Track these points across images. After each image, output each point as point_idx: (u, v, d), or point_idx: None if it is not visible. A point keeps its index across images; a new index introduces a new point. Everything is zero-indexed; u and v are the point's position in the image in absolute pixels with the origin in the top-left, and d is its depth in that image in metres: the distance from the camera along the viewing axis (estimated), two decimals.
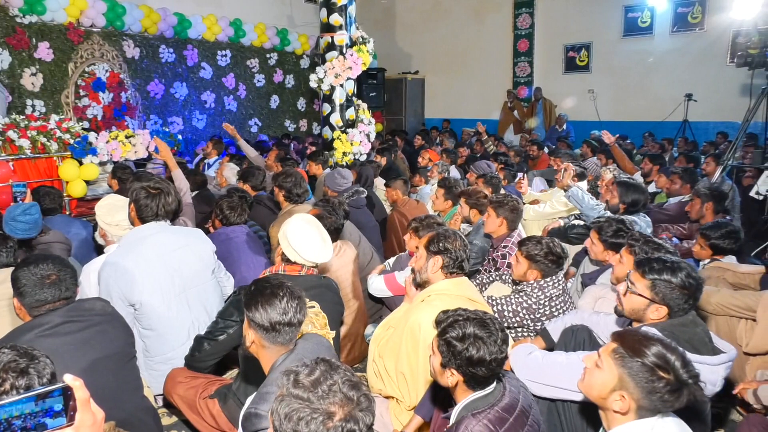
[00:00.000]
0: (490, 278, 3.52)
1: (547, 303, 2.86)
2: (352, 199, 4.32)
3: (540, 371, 2.16)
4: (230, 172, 5.45)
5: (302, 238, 2.56)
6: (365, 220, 4.38)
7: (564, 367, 2.12)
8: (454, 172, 6.49)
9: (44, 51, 7.43)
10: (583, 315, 2.59)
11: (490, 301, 2.96)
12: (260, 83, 10.84)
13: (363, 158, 7.08)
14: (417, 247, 2.69)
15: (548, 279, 2.89)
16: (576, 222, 4.33)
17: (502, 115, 11.77)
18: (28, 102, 7.34)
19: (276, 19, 11.06)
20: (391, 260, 3.89)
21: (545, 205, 4.83)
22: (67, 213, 5.01)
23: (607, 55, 10.82)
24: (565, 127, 10.45)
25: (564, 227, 4.29)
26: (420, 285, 2.63)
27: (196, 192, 4.70)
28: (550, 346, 2.60)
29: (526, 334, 2.95)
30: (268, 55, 10.88)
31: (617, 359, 1.59)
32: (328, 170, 5.25)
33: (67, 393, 1.03)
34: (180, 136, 6.52)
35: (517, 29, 11.71)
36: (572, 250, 4.04)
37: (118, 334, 2.23)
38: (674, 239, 4.20)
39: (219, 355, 2.52)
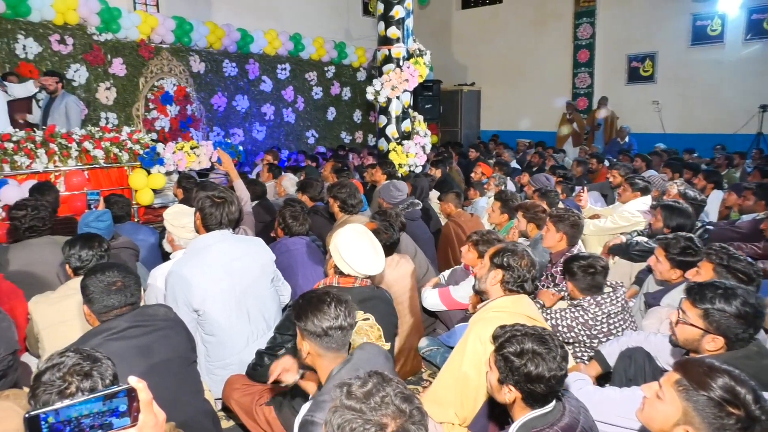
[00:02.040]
0: None
1: (604, 320, 2.76)
2: (407, 212, 4.32)
3: (592, 407, 2.05)
4: (288, 182, 5.57)
5: (353, 250, 2.57)
6: (420, 232, 4.36)
7: (617, 403, 2.02)
8: (511, 185, 6.39)
9: (118, 66, 7.88)
10: (640, 336, 2.47)
11: (544, 314, 2.88)
12: (318, 95, 11.07)
13: (418, 170, 7.09)
14: (482, 257, 2.68)
15: (605, 295, 2.79)
16: (639, 238, 4.15)
17: (560, 127, 11.53)
18: (102, 114, 7.80)
19: (334, 33, 11.31)
20: (446, 273, 3.85)
21: (606, 220, 4.67)
22: (135, 220, 5.26)
23: (674, 65, 10.42)
24: (627, 139, 10.10)
25: (626, 243, 4.13)
26: (478, 293, 2.62)
27: (256, 202, 4.83)
28: (606, 371, 2.50)
29: (581, 350, 2.85)
30: (325, 68, 11.11)
31: (681, 391, 1.48)
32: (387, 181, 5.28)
33: (131, 394, 1.06)
34: (241, 147, 6.74)
35: (577, 39, 11.47)
36: (635, 267, 3.88)
37: (180, 339, 2.30)
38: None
39: None
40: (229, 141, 7.36)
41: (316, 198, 4.60)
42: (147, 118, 8.34)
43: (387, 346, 2.41)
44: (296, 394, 2.33)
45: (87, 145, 5.20)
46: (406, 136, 7.21)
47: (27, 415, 0.97)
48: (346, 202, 4.00)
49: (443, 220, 5.40)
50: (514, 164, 8.41)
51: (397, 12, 6.93)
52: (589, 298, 2.81)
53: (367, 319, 2.51)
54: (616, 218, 4.61)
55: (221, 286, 2.68)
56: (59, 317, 2.46)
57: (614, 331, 2.74)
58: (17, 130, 5.11)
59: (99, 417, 1.02)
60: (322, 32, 10.91)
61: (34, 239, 3.29)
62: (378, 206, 4.81)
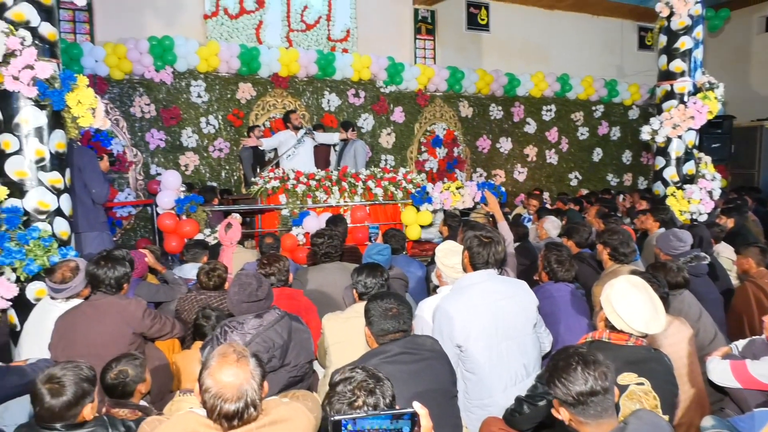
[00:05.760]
0: None
1: None
2: (691, 266, 3.79)
3: None
4: (551, 224, 5.42)
5: (630, 303, 2.35)
6: (706, 291, 3.77)
7: None
8: None
9: (398, 114, 8.90)
10: None
11: None
12: (583, 136, 10.64)
13: (702, 218, 6.21)
14: None
15: None
16: None
17: None
18: (382, 157, 8.85)
19: (604, 70, 10.82)
20: (740, 343, 3.24)
21: None
22: (404, 253, 5.75)
23: None
24: None
25: None
26: None
27: (517, 243, 4.82)
28: None
29: None
30: (593, 107, 10.66)
31: None
32: (662, 229, 4.75)
33: (414, 419, 1.14)
34: (503, 189, 6.86)
35: None
36: None
37: (444, 371, 2.41)
38: None
39: (538, 419, 2.48)
40: (491, 182, 7.55)
41: (583, 244, 4.37)
42: (419, 159, 9.18)
43: (665, 418, 2.12)
44: None
45: (370, 183, 5.93)
46: (689, 179, 6.40)
47: (332, 419, 1.13)
48: (618, 250, 3.71)
49: (733, 279, 4.60)
50: None
51: (683, 43, 6.28)
52: None
53: (642, 384, 2.26)
54: None
55: (483, 325, 2.71)
56: (345, 335, 2.80)
57: None
58: (319, 170, 6.12)
59: None
60: (592, 70, 10.51)
61: (327, 264, 3.88)
62: (654, 257, 4.34)
